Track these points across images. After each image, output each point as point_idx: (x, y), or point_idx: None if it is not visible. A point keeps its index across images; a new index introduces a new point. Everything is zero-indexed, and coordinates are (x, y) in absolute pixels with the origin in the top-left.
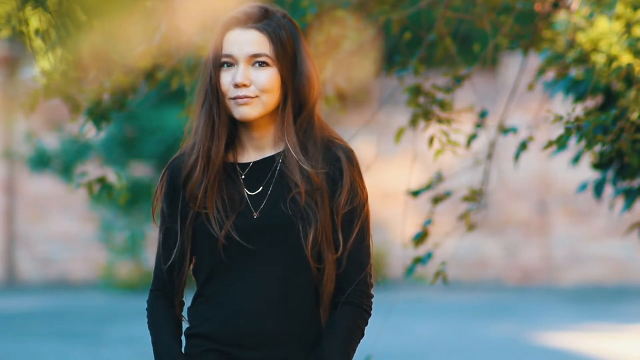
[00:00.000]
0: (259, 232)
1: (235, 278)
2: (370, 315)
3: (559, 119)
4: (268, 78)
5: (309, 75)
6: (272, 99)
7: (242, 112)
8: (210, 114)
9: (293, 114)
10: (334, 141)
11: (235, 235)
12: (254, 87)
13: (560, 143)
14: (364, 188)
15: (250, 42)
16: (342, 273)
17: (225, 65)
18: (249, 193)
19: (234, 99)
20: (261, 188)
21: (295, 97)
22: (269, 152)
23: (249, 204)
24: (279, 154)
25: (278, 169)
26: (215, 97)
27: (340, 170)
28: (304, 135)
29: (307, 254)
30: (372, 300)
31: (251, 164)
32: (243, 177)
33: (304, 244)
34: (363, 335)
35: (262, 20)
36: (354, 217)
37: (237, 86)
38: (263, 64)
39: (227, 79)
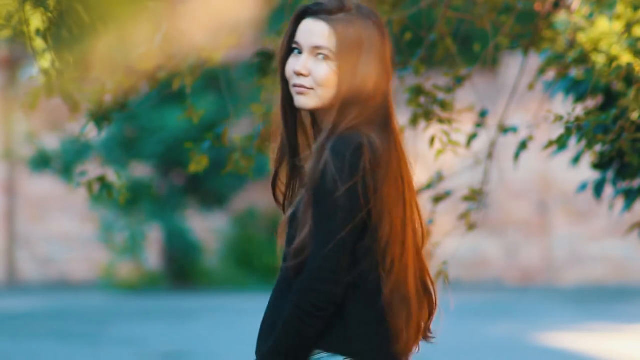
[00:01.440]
0: None
1: None
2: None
3: (559, 118)
4: (325, 72)
5: (363, 77)
6: (328, 93)
7: (299, 101)
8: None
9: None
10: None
11: None
12: (310, 79)
13: (560, 143)
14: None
15: (316, 33)
16: None
17: (296, 52)
18: None
19: (294, 86)
20: None
21: (344, 97)
22: None
23: None
24: None
25: None
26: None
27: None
28: (328, 138)
29: None
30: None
31: None
32: None
33: None
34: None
35: (335, 13)
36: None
37: (296, 74)
38: (325, 57)
39: (291, 64)
